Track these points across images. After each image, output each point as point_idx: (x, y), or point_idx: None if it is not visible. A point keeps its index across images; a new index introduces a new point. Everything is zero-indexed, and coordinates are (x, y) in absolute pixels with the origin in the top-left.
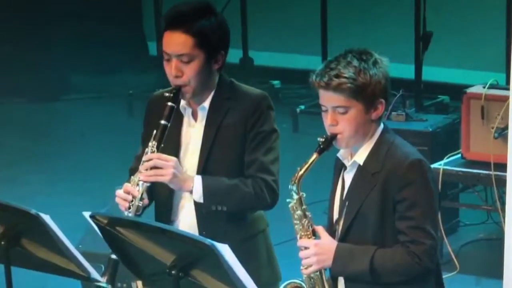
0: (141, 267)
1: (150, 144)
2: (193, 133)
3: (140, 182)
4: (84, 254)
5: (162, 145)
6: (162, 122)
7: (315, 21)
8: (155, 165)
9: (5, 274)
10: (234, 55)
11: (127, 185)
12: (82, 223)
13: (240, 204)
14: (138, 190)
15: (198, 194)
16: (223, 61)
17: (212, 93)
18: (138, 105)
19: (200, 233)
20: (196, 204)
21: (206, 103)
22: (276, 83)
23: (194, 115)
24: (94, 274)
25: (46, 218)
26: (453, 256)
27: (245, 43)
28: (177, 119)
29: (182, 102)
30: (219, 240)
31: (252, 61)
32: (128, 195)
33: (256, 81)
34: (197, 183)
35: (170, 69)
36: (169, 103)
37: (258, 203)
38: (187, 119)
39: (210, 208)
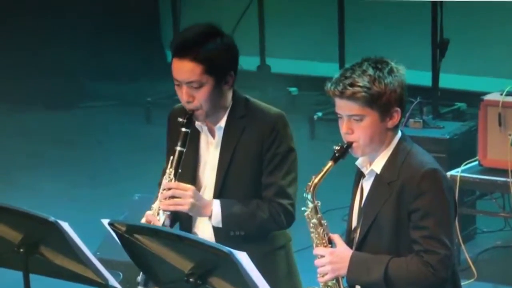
0: (159, 274)
1: (167, 171)
2: (211, 151)
3: (161, 212)
4: (102, 261)
5: (180, 170)
6: (178, 148)
7: (332, 28)
8: (173, 195)
9: (23, 281)
10: (251, 62)
11: (148, 215)
12: (100, 230)
13: (258, 230)
14: (159, 219)
15: (216, 219)
16: (234, 80)
17: (227, 112)
18: (156, 112)
19: None
20: (215, 227)
21: (223, 123)
22: (293, 90)
23: (212, 132)
24: (112, 281)
25: (65, 225)
26: (471, 264)
27: (263, 50)
28: (195, 137)
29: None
30: None
31: (269, 68)
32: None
33: (273, 88)
34: (216, 209)
35: (181, 94)
36: (183, 129)
37: (275, 227)
38: (204, 136)
39: (228, 233)
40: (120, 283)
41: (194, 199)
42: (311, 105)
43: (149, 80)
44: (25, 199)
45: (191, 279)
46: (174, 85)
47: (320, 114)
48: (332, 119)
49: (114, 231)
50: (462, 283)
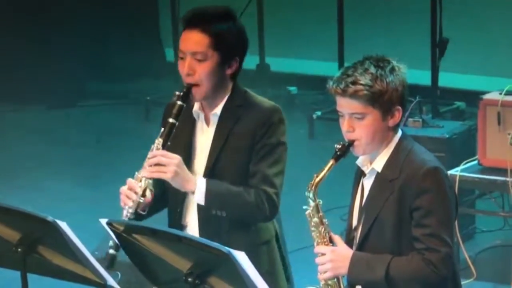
0: (157, 274)
1: (156, 141)
2: (204, 138)
3: (143, 178)
4: (100, 261)
5: (169, 143)
6: (170, 120)
7: (331, 27)
8: (158, 162)
9: (21, 281)
10: (250, 61)
11: (130, 181)
12: (98, 230)
13: (240, 212)
14: (140, 186)
15: (200, 195)
16: (237, 68)
17: (225, 100)
18: (155, 111)
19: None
20: (199, 209)
21: (218, 110)
22: (293, 89)
23: (207, 121)
24: (111, 281)
25: (63, 225)
26: (470, 263)
27: (262, 49)
28: (190, 124)
29: (195, 107)
30: None
31: (269, 67)
32: (131, 192)
33: (272, 87)
34: (201, 184)
35: (183, 67)
36: (179, 102)
37: (258, 214)
38: (200, 124)
39: (210, 212)
40: (118, 283)
41: (179, 168)
42: (310, 104)
43: (149, 79)
44: (23, 198)
45: (189, 279)
46: (173, 83)
47: (319, 113)
48: (331, 118)
49: (112, 230)
50: (461, 283)
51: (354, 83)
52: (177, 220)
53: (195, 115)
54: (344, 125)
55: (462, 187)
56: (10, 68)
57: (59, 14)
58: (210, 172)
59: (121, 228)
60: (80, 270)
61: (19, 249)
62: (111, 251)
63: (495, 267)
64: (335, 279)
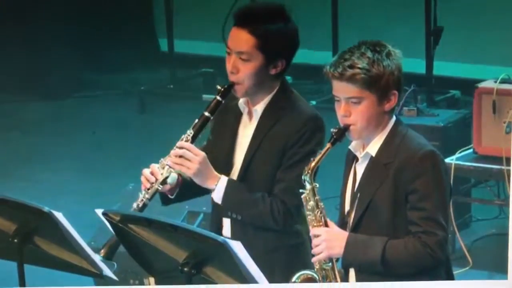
0: (153, 264)
1: (188, 131)
2: (246, 132)
3: (166, 167)
4: (96, 251)
5: (200, 136)
6: (206, 113)
7: (326, 16)
8: (183, 155)
9: (18, 271)
10: None
11: (153, 166)
12: (94, 220)
13: (253, 219)
14: (162, 174)
15: (218, 195)
16: (284, 68)
17: (269, 98)
18: (150, 101)
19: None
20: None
21: (260, 107)
22: (288, 78)
23: (250, 115)
24: (107, 271)
25: (59, 215)
26: (466, 251)
27: None
28: (236, 115)
29: (241, 100)
30: (246, 245)
31: None
32: (152, 177)
33: None
34: (221, 185)
35: (229, 64)
36: (218, 97)
37: (271, 223)
38: (244, 117)
39: (226, 213)
40: (114, 273)
41: (202, 165)
42: (305, 94)
43: (143, 69)
44: (19, 190)
45: (185, 269)
46: (167, 74)
47: (314, 102)
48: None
49: (108, 220)
50: (457, 271)
51: (351, 67)
52: (217, 220)
53: (240, 108)
54: (340, 109)
55: (457, 176)
56: (4, 60)
57: (52, 5)
58: (246, 169)
59: (117, 218)
60: (77, 261)
61: (16, 240)
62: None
63: (490, 255)
64: (330, 263)
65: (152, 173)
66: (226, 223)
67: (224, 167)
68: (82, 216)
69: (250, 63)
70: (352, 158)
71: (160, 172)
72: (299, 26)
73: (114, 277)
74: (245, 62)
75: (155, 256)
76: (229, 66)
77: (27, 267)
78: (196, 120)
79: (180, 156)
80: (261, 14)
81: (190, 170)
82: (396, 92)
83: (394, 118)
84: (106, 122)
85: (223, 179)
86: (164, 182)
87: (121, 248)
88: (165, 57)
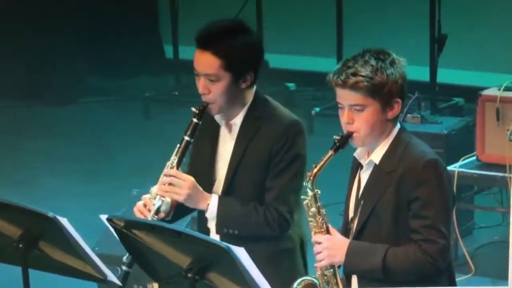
0: (157, 269)
1: (172, 158)
2: (227, 146)
3: (157, 197)
4: (100, 256)
5: (184, 159)
6: (186, 138)
7: (330, 23)
8: (171, 182)
9: (22, 276)
10: None
11: (145, 198)
12: (98, 226)
13: (250, 231)
14: (154, 204)
15: (211, 215)
16: (253, 79)
17: (245, 110)
18: (154, 107)
19: None
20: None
21: (238, 120)
22: (291, 85)
23: (228, 127)
24: (111, 276)
25: (64, 221)
26: (468, 258)
27: None
28: (215, 128)
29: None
30: None
31: (267, 63)
32: (145, 209)
33: (271, 83)
34: (213, 205)
35: (199, 85)
36: (194, 120)
37: (267, 232)
38: (223, 131)
39: (222, 231)
40: (118, 278)
41: (191, 190)
42: (309, 100)
43: (148, 75)
44: (24, 194)
45: (189, 275)
46: (172, 80)
47: (318, 109)
48: (330, 114)
49: (113, 226)
50: (459, 278)
51: (354, 74)
52: (204, 224)
53: (218, 121)
54: (344, 116)
55: (460, 183)
56: (9, 64)
57: (59, 10)
58: (230, 182)
59: (121, 224)
60: (81, 266)
61: (21, 245)
62: (125, 268)
63: (493, 262)
64: (331, 269)
65: (145, 205)
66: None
67: (206, 180)
68: (87, 221)
69: (219, 83)
70: (357, 165)
71: (152, 203)
72: (303, 33)
73: (118, 282)
74: (214, 83)
75: (159, 262)
76: (200, 88)
77: (31, 272)
78: (178, 145)
79: (169, 184)
80: (221, 33)
81: (180, 196)
82: (399, 100)
83: (398, 125)
84: (111, 128)
85: (214, 198)
86: (157, 211)
87: (125, 253)
88: (170, 63)
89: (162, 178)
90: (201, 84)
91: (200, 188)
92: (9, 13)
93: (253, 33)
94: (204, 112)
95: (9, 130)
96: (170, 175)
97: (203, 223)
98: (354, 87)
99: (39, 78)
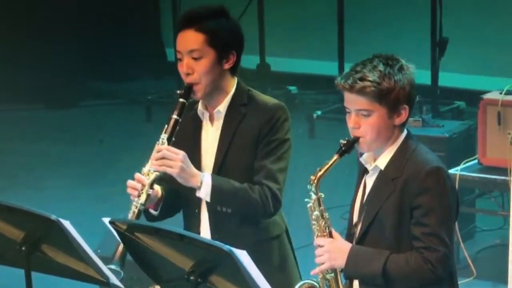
0: (159, 272)
1: (161, 136)
2: (210, 137)
3: (151, 170)
4: (102, 259)
5: (174, 139)
6: (174, 116)
7: (332, 27)
8: (164, 156)
9: (25, 279)
10: (251, 61)
11: (137, 174)
12: (101, 228)
13: (244, 208)
14: (148, 179)
15: (205, 191)
16: (236, 62)
17: (228, 98)
18: (156, 110)
19: (212, 236)
20: (208, 206)
21: (222, 107)
22: (293, 88)
23: (211, 119)
24: (113, 279)
25: (66, 223)
26: (470, 262)
27: (262, 49)
28: (196, 123)
29: (200, 107)
30: (230, 243)
31: (269, 67)
32: (138, 184)
33: (273, 86)
34: (207, 180)
35: (182, 68)
36: (181, 99)
37: (262, 210)
38: (205, 123)
39: (215, 208)
40: (121, 281)
41: (184, 163)
42: (311, 104)
43: (150, 78)
44: (26, 197)
45: (191, 278)
46: (174, 83)
47: (319, 112)
48: (332, 117)
49: (115, 229)
50: (461, 281)
51: (362, 79)
52: (194, 221)
53: (199, 114)
54: (350, 121)
55: (462, 186)
56: (11, 68)
57: (60, 13)
58: (219, 169)
59: (124, 227)
60: (83, 268)
61: (23, 248)
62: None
63: (494, 266)
64: (333, 273)
65: (138, 181)
66: (205, 221)
67: None
68: (89, 224)
69: (203, 60)
70: (363, 170)
71: (146, 178)
72: (305, 37)
73: (121, 285)
74: (198, 61)
75: (161, 265)
76: (183, 69)
77: (34, 275)
78: (166, 125)
79: (162, 158)
80: (203, 13)
81: (174, 168)
82: (407, 106)
83: (405, 132)
84: (113, 131)
85: (207, 175)
86: (152, 185)
87: (127, 256)
88: (172, 66)
89: (153, 155)
90: (185, 64)
91: (192, 165)
92: (10, 17)
93: (232, 18)
94: (189, 92)
95: (11, 134)
96: (161, 150)
97: (193, 220)
98: (361, 91)
99: (41, 82)
